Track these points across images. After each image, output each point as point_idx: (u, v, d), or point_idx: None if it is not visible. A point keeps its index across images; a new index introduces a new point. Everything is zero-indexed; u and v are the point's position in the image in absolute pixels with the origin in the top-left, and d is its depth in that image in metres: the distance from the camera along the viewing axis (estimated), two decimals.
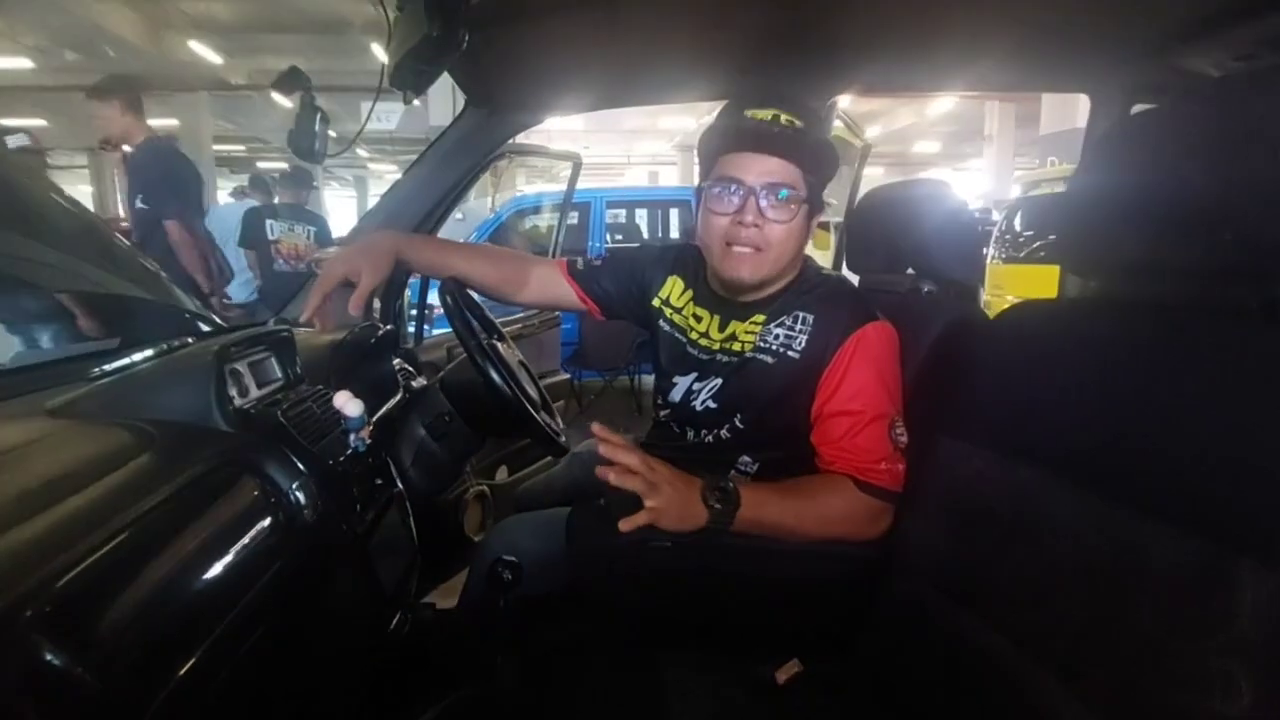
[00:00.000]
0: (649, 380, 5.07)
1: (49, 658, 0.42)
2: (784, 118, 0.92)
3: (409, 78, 0.85)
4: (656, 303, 1.13)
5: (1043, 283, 4.49)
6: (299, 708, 0.68)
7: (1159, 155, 0.68)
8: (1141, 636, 0.58)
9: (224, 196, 8.97)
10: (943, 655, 0.81)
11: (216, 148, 12.71)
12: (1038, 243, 5.18)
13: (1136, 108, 1.28)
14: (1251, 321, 0.61)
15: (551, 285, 1.19)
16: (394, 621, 0.92)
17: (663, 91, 1.44)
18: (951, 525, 0.84)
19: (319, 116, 1.02)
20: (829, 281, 1.02)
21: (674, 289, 1.12)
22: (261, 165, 14.68)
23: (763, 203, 0.93)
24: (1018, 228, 5.46)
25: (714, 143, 0.97)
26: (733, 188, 0.94)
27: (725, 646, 0.94)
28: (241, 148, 16.35)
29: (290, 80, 0.95)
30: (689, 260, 1.12)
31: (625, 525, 0.85)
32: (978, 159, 14.35)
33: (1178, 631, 0.56)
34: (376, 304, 1.50)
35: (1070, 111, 7.61)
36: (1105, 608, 0.62)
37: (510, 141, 1.47)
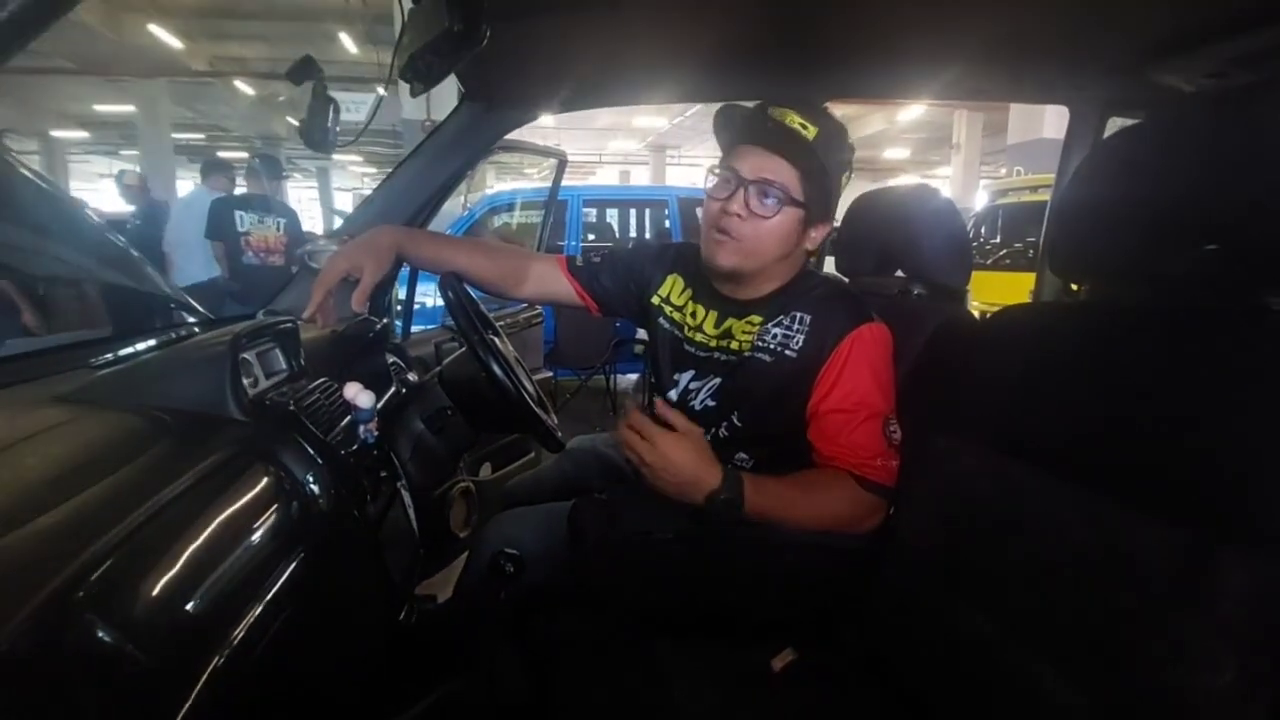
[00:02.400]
0: (625, 380, 5.10)
1: (101, 635, 0.43)
2: (797, 120, 0.94)
3: (421, 71, 0.86)
4: (656, 300, 1.15)
5: (1008, 289, 4.64)
6: (316, 691, 0.68)
7: (1147, 167, 0.72)
8: (1130, 620, 0.61)
9: (183, 186, 8.71)
10: (935, 642, 0.84)
11: (176, 135, 12.35)
12: (1004, 250, 5.36)
13: (1113, 121, 1.34)
14: (1233, 324, 0.65)
15: (550, 281, 1.20)
16: (402, 613, 0.92)
17: (662, 91, 1.46)
18: (944, 518, 0.87)
19: (332, 107, 1.01)
20: (827, 283, 1.05)
21: (674, 287, 1.14)
22: (222, 154, 14.31)
23: (751, 196, 0.95)
24: (984, 234, 5.63)
25: (730, 132, 1.00)
26: (728, 177, 0.97)
27: (723, 637, 0.96)
28: (201, 136, 15.90)
29: (303, 70, 0.95)
30: (689, 258, 1.14)
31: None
32: (945, 166, 14.67)
33: (1165, 614, 0.59)
34: None
35: (1036, 123, 7.85)
36: (1095, 594, 0.65)
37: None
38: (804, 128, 0.94)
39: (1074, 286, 1.09)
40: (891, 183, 1.64)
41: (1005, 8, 1.01)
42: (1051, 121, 7.35)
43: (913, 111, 11.99)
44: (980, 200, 7.26)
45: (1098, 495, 0.68)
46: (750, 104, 1.03)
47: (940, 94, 1.45)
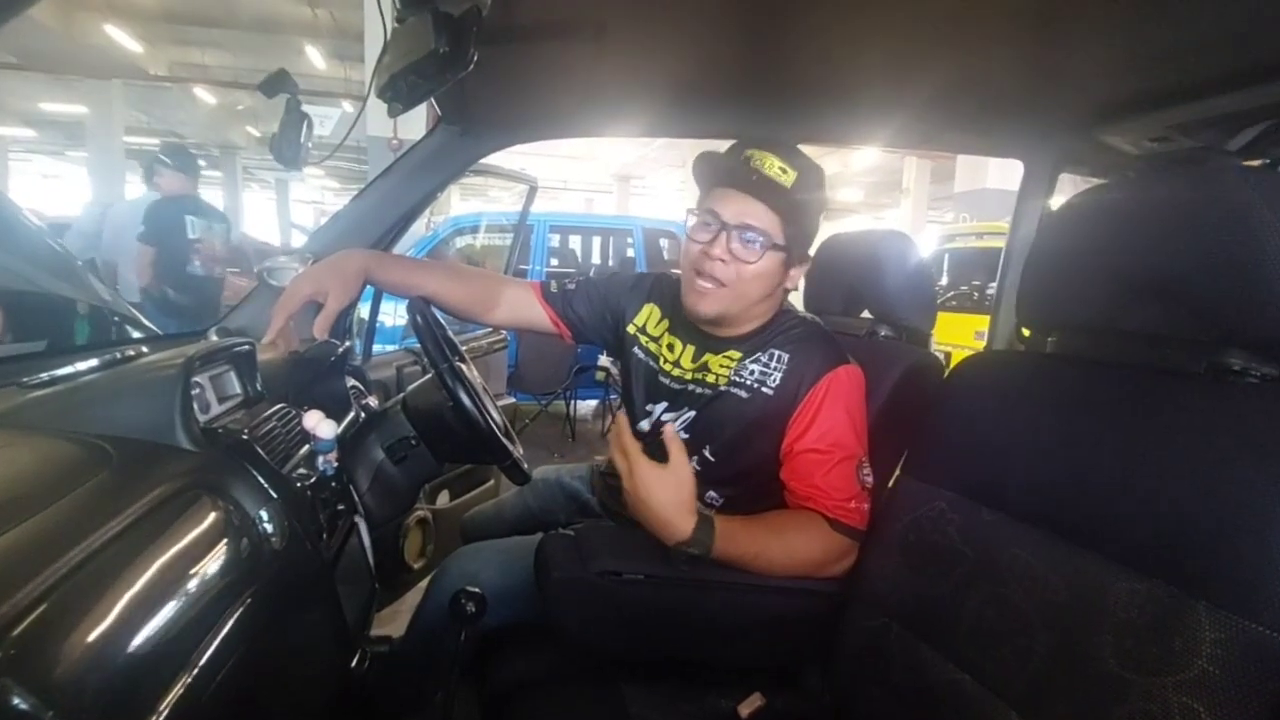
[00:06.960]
0: (584, 406, 5.05)
1: (17, 703, 0.38)
2: (777, 165, 0.95)
3: (402, 91, 0.83)
4: (631, 330, 1.14)
5: (956, 329, 4.79)
6: None
7: (1112, 226, 0.75)
8: (1101, 673, 0.62)
9: (132, 191, 8.35)
10: (902, 689, 0.83)
11: (128, 139, 11.91)
12: (950, 293, 5.54)
13: (1064, 177, 1.40)
14: (1197, 382, 0.67)
15: (523, 307, 1.18)
16: (355, 658, 0.87)
17: (638, 124, 1.47)
18: (914, 563, 0.87)
19: (305, 124, 0.98)
20: (805, 323, 1.06)
21: (650, 317, 1.13)
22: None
23: (734, 241, 0.96)
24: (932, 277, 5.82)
25: (710, 173, 1.00)
26: (710, 220, 0.97)
27: (690, 681, 0.93)
28: (155, 141, 15.39)
29: (276, 83, 0.91)
30: (666, 289, 1.14)
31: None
32: (895, 209, 15.18)
33: (1137, 669, 0.59)
34: None
35: (981, 174, 8.28)
36: (1066, 645, 0.66)
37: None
38: (783, 172, 0.95)
39: (1025, 333, 1.12)
40: (844, 223, 1.68)
41: (962, 66, 1.05)
42: (994, 174, 7.80)
43: (867, 157, 12.42)
44: (929, 244, 7.54)
45: (1070, 545, 0.68)
46: (724, 142, 1.04)
47: (904, 143, 1.50)
